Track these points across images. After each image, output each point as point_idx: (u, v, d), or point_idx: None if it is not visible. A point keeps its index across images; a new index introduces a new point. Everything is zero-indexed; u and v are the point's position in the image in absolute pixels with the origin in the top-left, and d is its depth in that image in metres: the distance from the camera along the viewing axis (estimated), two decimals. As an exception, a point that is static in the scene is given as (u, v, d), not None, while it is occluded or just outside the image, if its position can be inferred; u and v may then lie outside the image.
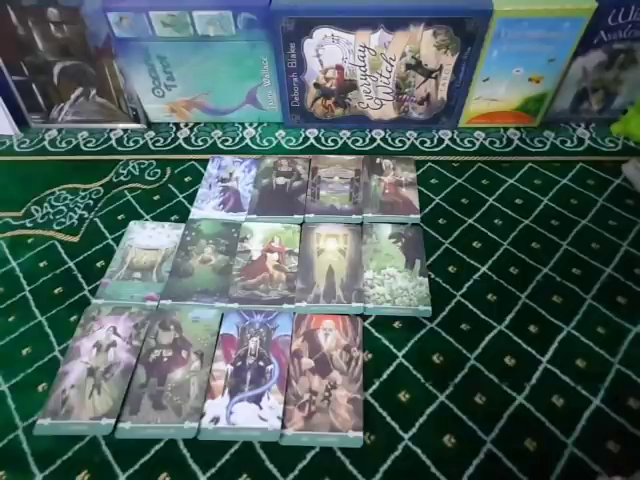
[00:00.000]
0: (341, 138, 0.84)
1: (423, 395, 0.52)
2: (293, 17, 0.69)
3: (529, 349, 0.55)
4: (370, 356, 0.56)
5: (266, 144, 0.83)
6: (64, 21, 0.73)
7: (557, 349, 0.55)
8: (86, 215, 0.73)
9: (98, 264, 0.66)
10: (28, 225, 0.72)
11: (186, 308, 0.60)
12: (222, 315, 0.59)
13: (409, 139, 0.83)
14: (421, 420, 0.50)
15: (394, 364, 0.55)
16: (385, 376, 0.54)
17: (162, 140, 0.85)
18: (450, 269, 0.64)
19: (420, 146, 0.82)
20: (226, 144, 0.84)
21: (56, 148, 0.84)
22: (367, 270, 0.63)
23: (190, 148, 0.83)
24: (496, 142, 0.82)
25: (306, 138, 0.84)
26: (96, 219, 0.72)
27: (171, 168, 0.80)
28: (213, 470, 0.48)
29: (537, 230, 0.68)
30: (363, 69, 0.75)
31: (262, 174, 0.77)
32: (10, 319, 0.60)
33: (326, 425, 0.50)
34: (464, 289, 0.62)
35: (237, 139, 0.85)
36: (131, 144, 0.84)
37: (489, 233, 0.68)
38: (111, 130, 0.87)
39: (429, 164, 0.78)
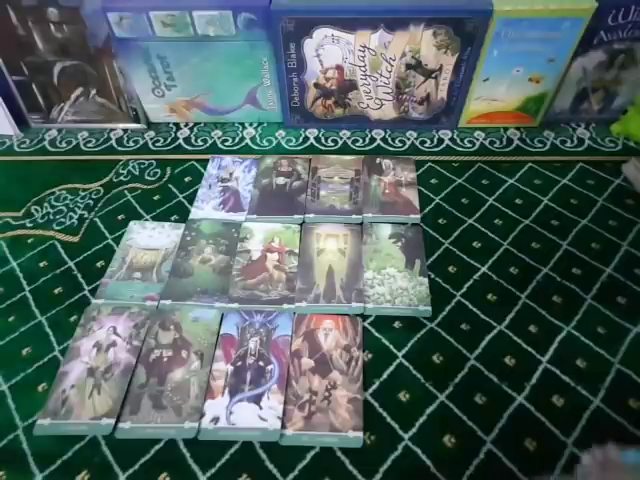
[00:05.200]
0: (341, 138, 0.84)
1: (423, 395, 0.52)
2: (293, 17, 0.69)
3: (529, 349, 0.55)
4: (370, 356, 0.56)
5: (266, 144, 0.83)
6: (64, 21, 0.73)
7: (557, 349, 0.55)
8: (86, 215, 0.73)
9: (98, 264, 0.66)
10: (28, 225, 0.72)
11: (186, 308, 0.60)
12: (222, 315, 0.59)
13: (409, 139, 0.83)
14: (421, 420, 0.50)
15: (394, 364, 0.55)
16: (385, 376, 0.54)
17: (162, 140, 0.85)
18: (450, 269, 0.64)
19: (420, 146, 0.82)
20: (226, 144, 0.84)
21: (56, 148, 0.84)
22: (367, 270, 0.63)
23: (190, 148, 0.83)
24: (496, 142, 0.82)
25: (306, 138, 0.84)
26: (96, 219, 0.72)
27: (171, 168, 0.80)
28: (213, 470, 0.48)
29: (537, 230, 0.68)
30: (363, 69, 0.75)
31: (262, 174, 0.77)
32: (10, 319, 0.60)
33: (326, 425, 0.50)
34: (464, 289, 0.62)
35: (237, 139, 0.85)
36: (131, 144, 0.84)
37: (489, 233, 0.68)
38: (111, 130, 0.87)
39: (429, 164, 0.78)
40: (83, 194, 0.76)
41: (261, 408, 0.51)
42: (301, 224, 0.69)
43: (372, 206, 0.71)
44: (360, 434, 0.49)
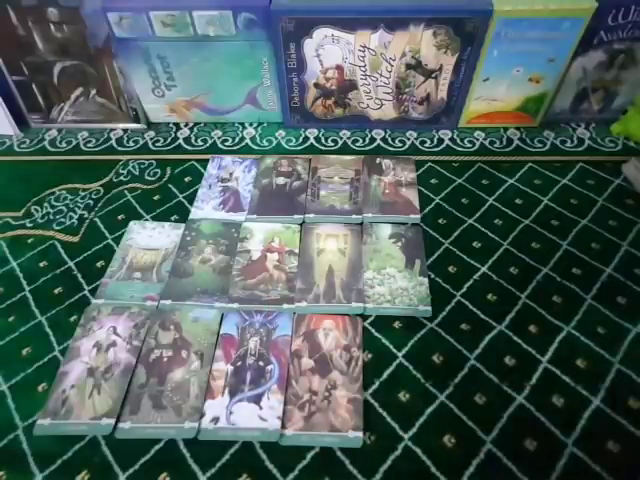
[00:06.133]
0: (341, 138, 0.84)
1: (423, 395, 0.52)
2: (293, 17, 0.69)
3: (529, 349, 0.55)
4: (370, 356, 0.56)
5: (266, 144, 0.83)
6: (64, 21, 0.73)
7: (557, 349, 0.55)
8: (86, 215, 0.73)
9: (98, 264, 0.66)
10: (28, 225, 0.72)
11: (186, 308, 0.60)
12: (222, 315, 0.59)
13: (409, 139, 0.83)
14: (421, 420, 0.50)
15: (394, 364, 0.55)
16: (385, 376, 0.54)
17: (162, 140, 0.85)
18: (450, 269, 0.64)
19: (420, 146, 0.82)
20: (226, 144, 0.84)
21: (56, 148, 0.84)
22: (367, 270, 0.63)
23: (190, 148, 0.83)
24: (496, 142, 0.82)
25: (306, 138, 0.84)
26: (96, 219, 0.72)
27: (171, 168, 0.80)
28: (213, 470, 0.48)
29: (537, 230, 0.68)
30: (363, 69, 0.75)
31: (262, 174, 0.77)
32: (10, 319, 0.60)
33: (326, 425, 0.50)
34: (464, 289, 0.62)
35: (237, 139, 0.85)
36: (131, 144, 0.84)
37: (489, 233, 0.68)
38: (111, 130, 0.87)
39: (429, 164, 0.78)
40: (83, 194, 0.76)
41: (261, 408, 0.51)
42: (301, 224, 0.69)
43: (372, 206, 0.71)
44: (360, 434, 0.49)
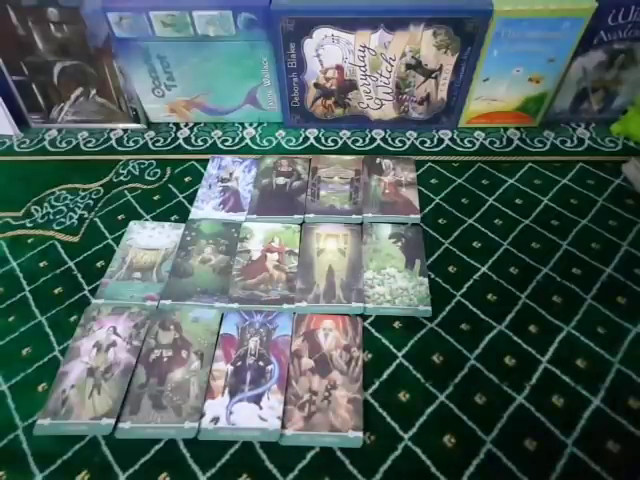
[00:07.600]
0: (341, 138, 0.84)
1: (423, 395, 0.52)
2: (293, 17, 0.69)
3: (529, 349, 0.55)
4: (370, 356, 0.56)
5: (266, 144, 0.83)
6: (64, 21, 0.73)
7: (557, 349, 0.55)
8: (86, 215, 0.73)
9: (98, 264, 0.66)
10: (28, 225, 0.72)
11: (186, 308, 0.60)
12: (222, 315, 0.59)
13: (409, 139, 0.83)
14: (421, 420, 0.50)
15: (394, 364, 0.55)
16: (385, 376, 0.54)
17: (162, 140, 0.85)
18: (450, 269, 0.64)
19: (420, 146, 0.82)
20: (226, 144, 0.84)
21: (56, 148, 0.84)
22: (367, 270, 0.63)
23: (190, 148, 0.83)
24: (496, 142, 0.82)
25: (306, 138, 0.84)
26: (96, 219, 0.72)
27: (171, 168, 0.80)
28: (213, 470, 0.48)
29: (537, 230, 0.68)
30: (363, 69, 0.75)
31: (262, 174, 0.77)
32: (10, 319, 0.60)
33: (326, 425, 0.49)
34: (464, 289, 0.62)
35: (237, 139, 0.85)
36: (131, 144, 0.84)
37: (489, 233, 0.68)
38: (111, 130, 0.87)
39: (429, 164, 0.78)
40: (83, 194, 0.76)
41: (261, 408, 0.51)
42: (301, 224, 0.69)
43: (372, 206, 0.71)
44: (360, 434, 0.49)
